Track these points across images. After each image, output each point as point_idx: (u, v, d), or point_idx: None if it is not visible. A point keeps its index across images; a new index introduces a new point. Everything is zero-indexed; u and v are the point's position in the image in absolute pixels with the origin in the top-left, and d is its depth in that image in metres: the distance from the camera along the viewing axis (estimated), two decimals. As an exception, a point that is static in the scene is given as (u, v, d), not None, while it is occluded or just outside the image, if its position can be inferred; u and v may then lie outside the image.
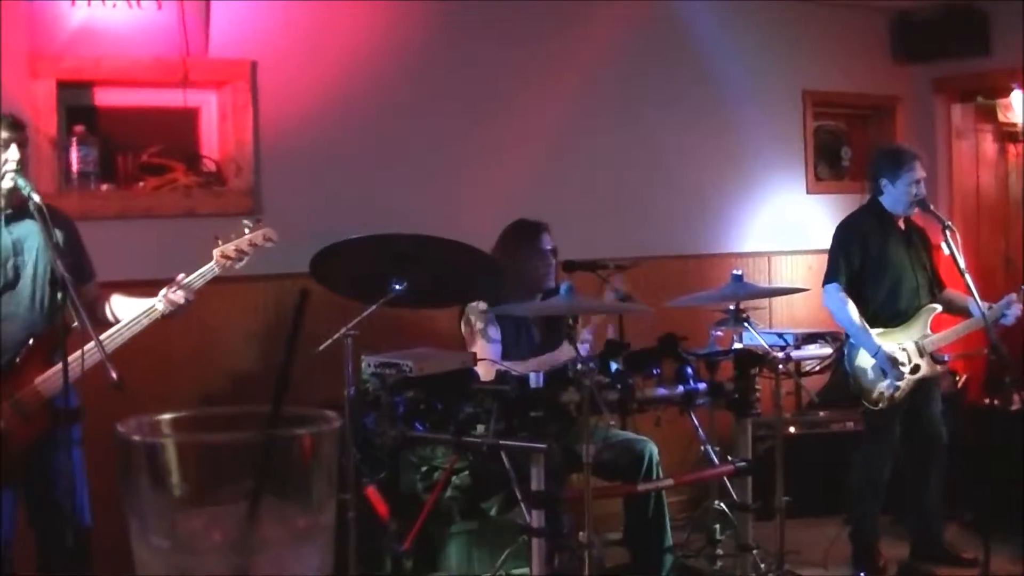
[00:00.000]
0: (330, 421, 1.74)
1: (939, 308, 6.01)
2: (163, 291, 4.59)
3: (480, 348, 5.40)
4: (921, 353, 5.89)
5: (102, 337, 4.33)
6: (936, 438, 6.08)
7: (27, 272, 4.52)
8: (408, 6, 6.51)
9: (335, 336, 4.52)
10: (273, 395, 1.78)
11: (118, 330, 4.52)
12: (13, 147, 4.40)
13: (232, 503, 1.68)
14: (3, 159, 4.38)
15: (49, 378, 4.38)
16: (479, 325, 5.45)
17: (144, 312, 4.56)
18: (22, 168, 4.41)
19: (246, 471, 1.69)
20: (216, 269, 4.69)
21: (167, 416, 1.78)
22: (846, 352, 5.92)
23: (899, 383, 5.82)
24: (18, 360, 4.45)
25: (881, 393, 5.83)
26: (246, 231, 4.74)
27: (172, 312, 4.59)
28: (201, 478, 1.71)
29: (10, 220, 4.50)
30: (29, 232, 4.48)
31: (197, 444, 1.77)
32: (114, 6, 5.68)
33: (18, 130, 4.48)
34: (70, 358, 4.21)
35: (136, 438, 1.69)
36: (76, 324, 4.18)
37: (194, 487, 1.69)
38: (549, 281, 5.61)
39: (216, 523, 1.68)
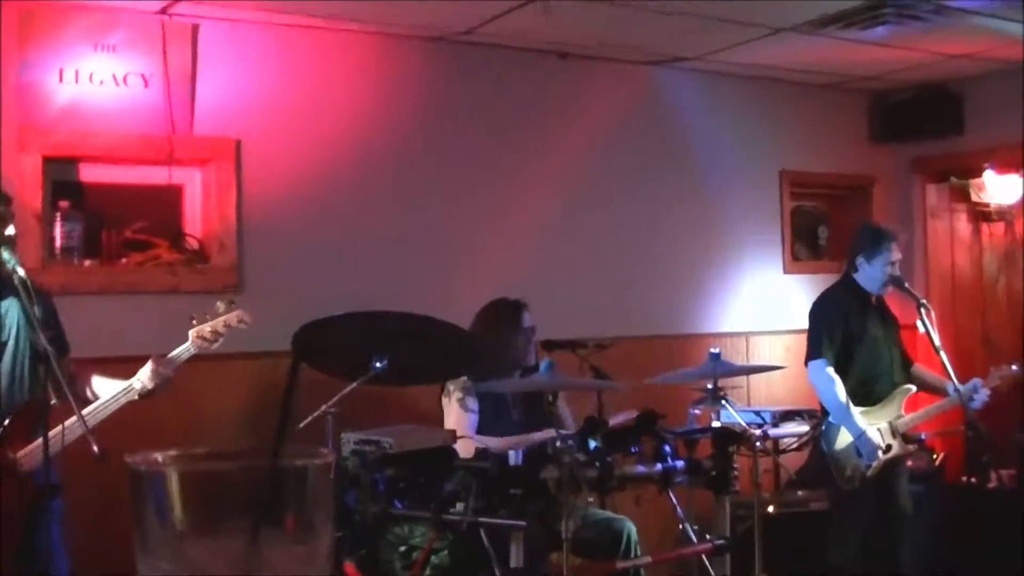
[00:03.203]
0: (325, 455, 1.84)
1: (914, 389, 6.03)
2: (140, 371, 4.66)
3: (456, 417, 5.43)
4: (894, 433, 5.90)
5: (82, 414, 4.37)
6: (904, 512, 6.09)
7: (9, 346, 4.55)
8: (391, 87, 6.60)
9: (316, 413, 4.55)
10: (277, 427, 1.87)
11: (96, 407, 4.56)
12: None
13: (233, 536, 1.76)
14: None
15: (30, 452, 4.38)
16: (458, 395, 5.47)
17: (122, 390, 4.63)
18: (9, 243, 4.46)
19: (247, 504, 1.77)
20: (192, 349, 4.78)
21: (173, 452, 1.86)
22: (824, 430, 5.92)
23: (872, 463, 5.84)
24: None
25: (854, 471, 5.85)
26: (220, 311, 4.83)
27: (150, 391, 4.66)
28: (204, 509, 1.80)
29: None
30: (10, 306, 4.52)
31: (200, 473, 1.86)
32: (101, 83, 5.76)
33: (3, 204, 4.54)
34: (51, 433, 4.22)
35: (142, 468, 1.79)
36: (55, 400, 4.20)
37: (197, 517, 1.78)
38: (528, 359, 5.65)
39: (220, 551, 1.76)
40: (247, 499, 1.80)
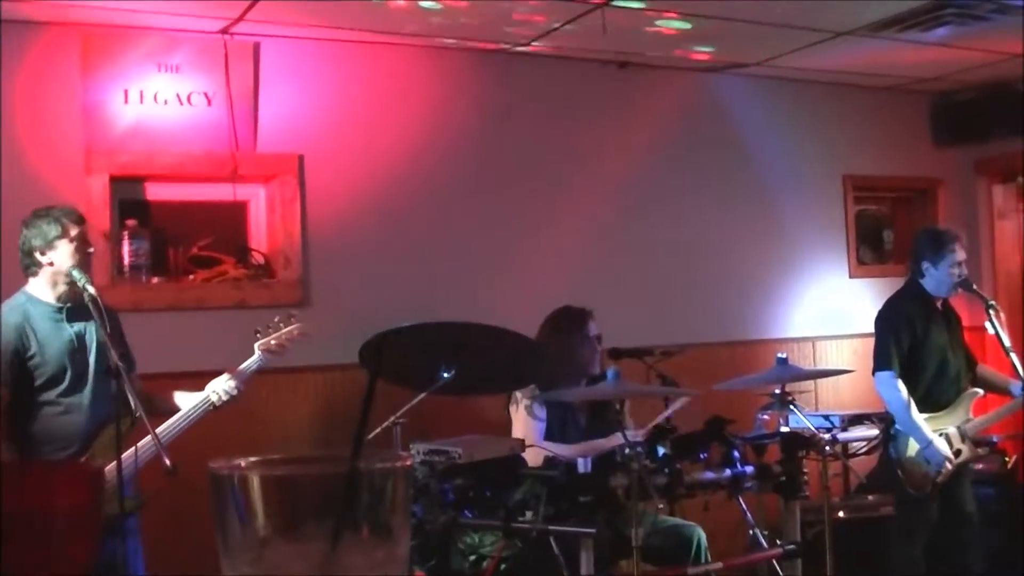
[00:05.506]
0: (404, 458, 1.86)
1: (981, 393, 5.97)
2: (212, 383, 4.78)
3: (523, 425, 5.43)
4: (963, 438, 5.85)
5: (162, 428, 4.55)
6: (970, 517, 6.02)
7: (91, 364, 4.63)
8: (451, 98, 6.63)
9: (384, 424, 4.57)
10: (355, 432, 1.89)
11: (176, 420, 4.68)
12: (65, 243, 4.56)
13: (313, 540, 1.78)
14: (62, 255, 4.54)
15: (115, 467, 4.46)
16: (525, 403, 5.47)
17: (200, 403, 4.74)
18: (84, 263, 4.58)
19: (327, 508, 1.79)
20: (260, 361, 4.92)
21: (254, 458, 1.90)
22: (893, 438, 5.87)
23: (940, 470, 5.78)
24: (88, 450, 4.55)
25: (924, 478, 5.80)
26: (281, 326, 4.99)
27: (224, 403, 4.75)
28: (285, 513, 1.82)
29: (71, 315, 4.61)
30: (88, 326, 4.61)
31: (281, 478, 1.88)
32: (166, 103, 5.84)
33: (83, 224, 4.66)
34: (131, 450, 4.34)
35: (225, 473, 1.82)
36: (139, 413, 4.28)
37: (278, 521, 1.80)
38: (594, 367, 5.63)
39: (299, 554, 1.78)
40: (327, 503, 1.82)
